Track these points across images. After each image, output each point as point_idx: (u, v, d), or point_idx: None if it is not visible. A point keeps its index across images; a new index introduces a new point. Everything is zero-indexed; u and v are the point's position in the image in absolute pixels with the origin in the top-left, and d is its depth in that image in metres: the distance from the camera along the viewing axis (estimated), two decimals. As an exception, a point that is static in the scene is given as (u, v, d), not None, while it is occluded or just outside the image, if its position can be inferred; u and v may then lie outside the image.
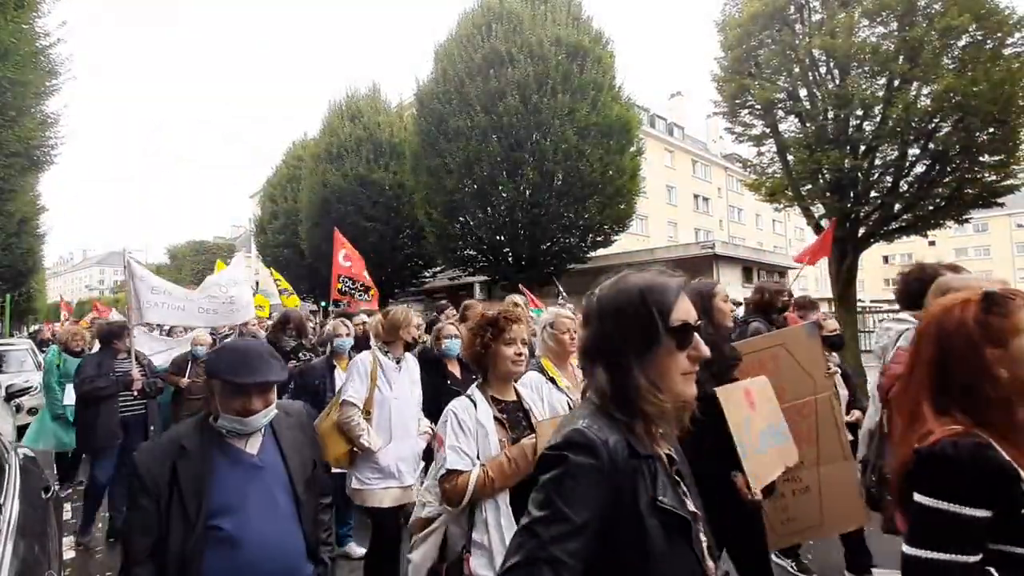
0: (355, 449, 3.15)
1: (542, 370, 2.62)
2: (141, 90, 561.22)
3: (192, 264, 44.94)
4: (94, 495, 4.43)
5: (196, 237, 49.65)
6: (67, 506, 4.89)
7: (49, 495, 3.18)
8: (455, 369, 4.10)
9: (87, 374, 4.38)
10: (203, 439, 1.63)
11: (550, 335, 2.78)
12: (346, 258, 7.82)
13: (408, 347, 3.60)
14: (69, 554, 3.92)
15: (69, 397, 5.16)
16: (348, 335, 4.34)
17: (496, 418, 2.09)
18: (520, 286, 8.39)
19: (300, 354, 4.65)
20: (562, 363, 2.76)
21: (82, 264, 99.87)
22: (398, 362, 3.37)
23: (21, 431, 7.85)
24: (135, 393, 4.49)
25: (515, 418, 2.16)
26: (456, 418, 2.05)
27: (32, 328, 27.95)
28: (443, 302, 7.30)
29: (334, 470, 3.39)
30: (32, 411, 8.80)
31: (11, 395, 7.03)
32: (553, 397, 2.44)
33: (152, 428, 4.66)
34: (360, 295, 7.71)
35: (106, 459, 4.40)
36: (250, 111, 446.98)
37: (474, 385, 2.22)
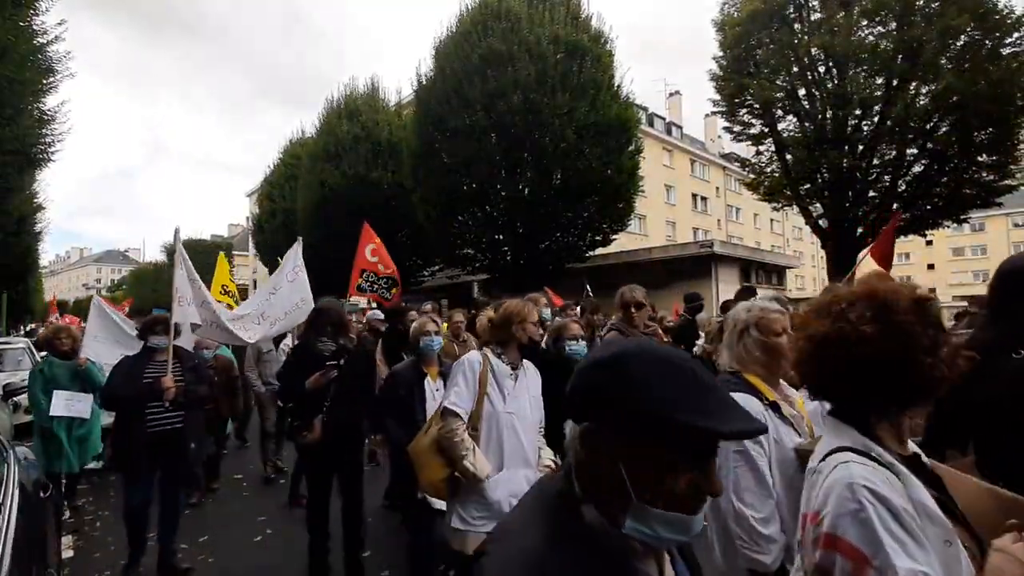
0: (457, 475, 2.49)
1: (749, 387, 1.84)
2: (136, 86, 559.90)
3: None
4: (131, 520, 3.66)
5: (193, 235, 49.46)
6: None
7: (47, 494, 3.17)
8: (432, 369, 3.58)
9: (113, 379, 3.72)
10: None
11: (756, 341, 1.92)
12: (373, 252, 7.39)
13: (524, 349, 2.79)
14: (68, 553, 3.90)
15: (58, 407, 4.60)
16: (437, 333, 3.59)
17: None
18: (544, 287, 8.20)
19: (341, 359, 3.59)
20: (774, 376, 1.93)
21: (79, 263, 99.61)
22: (514, 368, 2.65)
23: (19, 430, 7.81)
24: (166, 403, 3.61)
25: None
26: None
27: (29, 327, 27.86)
28: (427, 304, 7.19)
29: (436, 505, 2.83)
30: (28, 410, 8.80)
31: (8, 393, 7.00)
32: (780, 433, 1.77)
33: (193, 446, 3.83)
34: (383, 292, 7.28)
35: (135, 483, 3.64)
36: (246, 110, 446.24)
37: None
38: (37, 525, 2.74)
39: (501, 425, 2.52)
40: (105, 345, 5.18)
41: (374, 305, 8.67)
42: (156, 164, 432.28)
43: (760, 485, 1.73)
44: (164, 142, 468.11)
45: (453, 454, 2.43)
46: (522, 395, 2.62)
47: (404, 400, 3.29)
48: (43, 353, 7.09)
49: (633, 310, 3.81)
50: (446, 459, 2.48)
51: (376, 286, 7.33)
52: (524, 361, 2.73)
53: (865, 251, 4.42)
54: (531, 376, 2.73)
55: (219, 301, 6.21)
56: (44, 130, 12.92)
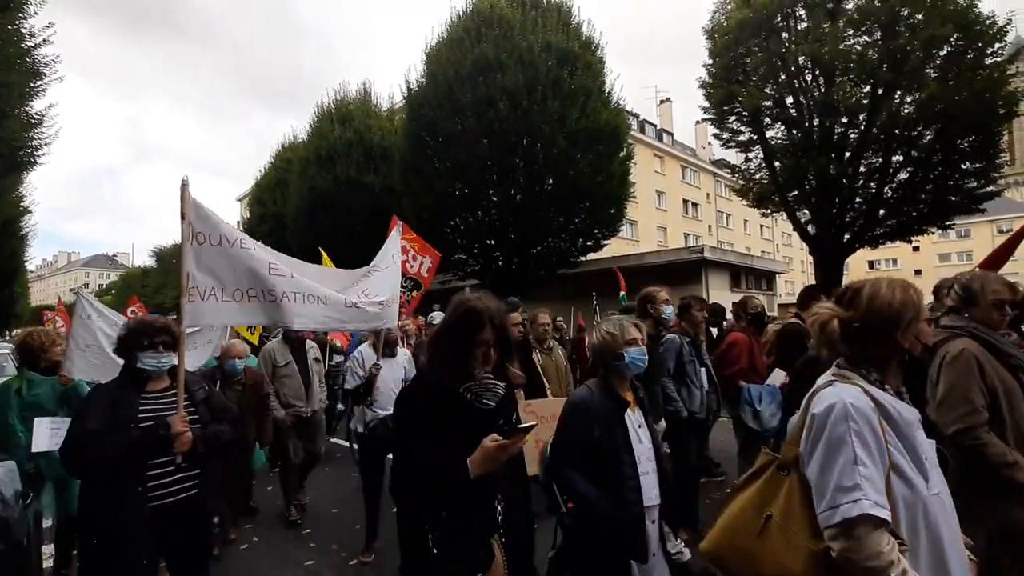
0: None
1: None
2: (117, 86, 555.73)
3: (178, 267, 44.39)
4: None
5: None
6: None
7: (28, 502, 3.12)
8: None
9: (85, 418, 2.26)
10: None
11: None
12: (404, 251, 6.09)
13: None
14: (48, 563, 3.84)
15: (42, 439, 3.34)
16: (631, 344, 2.38)
17: None
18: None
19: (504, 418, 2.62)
20: None
21: (67, 267, 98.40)
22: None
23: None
24: (178, 458, 2.32)
25: None
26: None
27: (14, 332, 27.43)
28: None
29: None
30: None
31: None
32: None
33: (216, 521, 2.60)
34: (408, 292, 6.33)
35: None
36: (231, 111, 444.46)
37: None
38: (17, 534, 2.70)
39: (933, 522, 1.36)
40: (98, 359, 3.82)
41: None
42: (139, 166, 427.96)
43: None
44: (147, 143, 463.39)
45: None
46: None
47: (600, 445, 2.14)
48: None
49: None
50: None
51: (405, 288, 6.26)
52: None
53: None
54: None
55: None
56: (31, 133, 12.81)
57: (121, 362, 2.94)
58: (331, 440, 7.27)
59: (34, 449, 3.37)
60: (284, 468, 4.90)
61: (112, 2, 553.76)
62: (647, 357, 2.34)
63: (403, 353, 4.41)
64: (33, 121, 12.81)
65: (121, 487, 2.20)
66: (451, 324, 1.82)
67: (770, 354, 4.86)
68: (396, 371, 4.22)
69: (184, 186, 2.63)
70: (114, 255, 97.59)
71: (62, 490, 3.54)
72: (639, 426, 2.24)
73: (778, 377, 4.31)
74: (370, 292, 3.51)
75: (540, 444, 2.76)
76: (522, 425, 1.69)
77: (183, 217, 2.62)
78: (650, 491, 2.14)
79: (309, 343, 5.26)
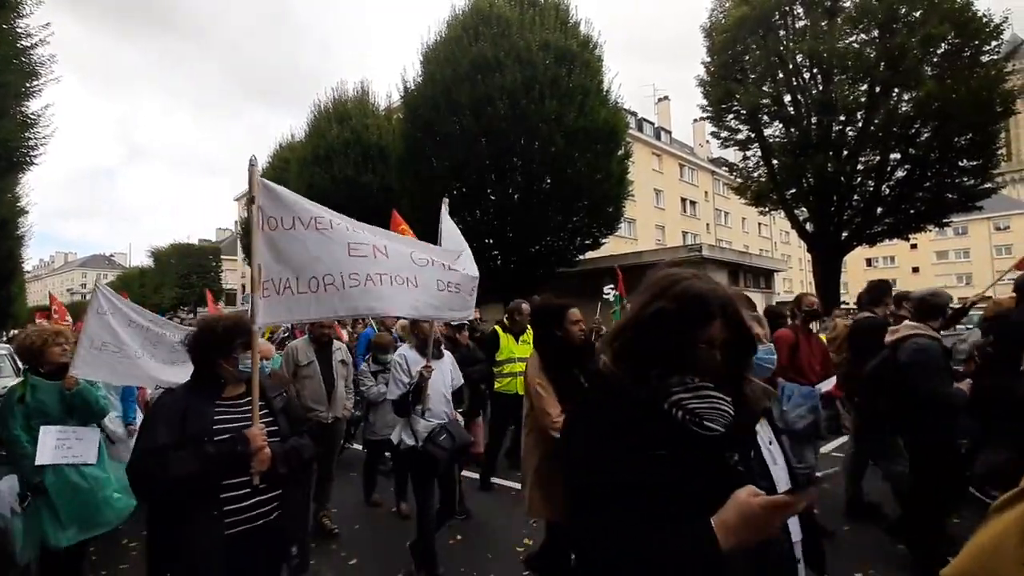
0: None
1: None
2: (111, 84, 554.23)
3: (176, 268, 44.33)
4: None
5: (180, 239, 48.94)
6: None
7: (27, 503, 3.11)
8: None
9: (153, 431, 1.97)
10: None
11: None
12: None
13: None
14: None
15: (46, 452, 3.05)
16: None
17: None
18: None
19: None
20: None
21: (64, 267, 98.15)
22: None
23: None
24: (255, 478, 2.02)
25: None
26: None
27: (12, 333, 27.34)
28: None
29: None
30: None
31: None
32: None
33: (294, 552, 2.17)
34: None
35: None
36: (226, 109, 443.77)
37: None
38: (8, 544, 2.69)
39: None
40: (118, 360, 3.39)
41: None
42: (135, 165, 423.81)
43: None
44: (142, 142, 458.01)
45: None
46: None
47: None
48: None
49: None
50: None
51: None
52: None
53: None
54: None
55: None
56: (27, 133, 12.76)
57: (145, 363, 3.10)
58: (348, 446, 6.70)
59: (38, 461, 3.00)
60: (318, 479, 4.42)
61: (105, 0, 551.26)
62: (775, 356, 2.13)
63: (448, 355, 3.96)
64: (29, 121, 12.76)
65: (194, 511, 1.92)
66: (659, 311, 1.22)
67: (840, 351, 4.71)
68: (444, 375, 3.70)
69: (252, 166, 2.31)
70: (111, 255, 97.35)
71: (59, 514, 3.06)
72: (770, 443, 1.68)
73: (828, 383, 4.17)
74: (456, 276, 3.06)
75: None
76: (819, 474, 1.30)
77: (252, 201, 2.33)
78: (793, 524, 1.59)
79: (337, 343, 4.80)
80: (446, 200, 4.01)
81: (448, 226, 3.81)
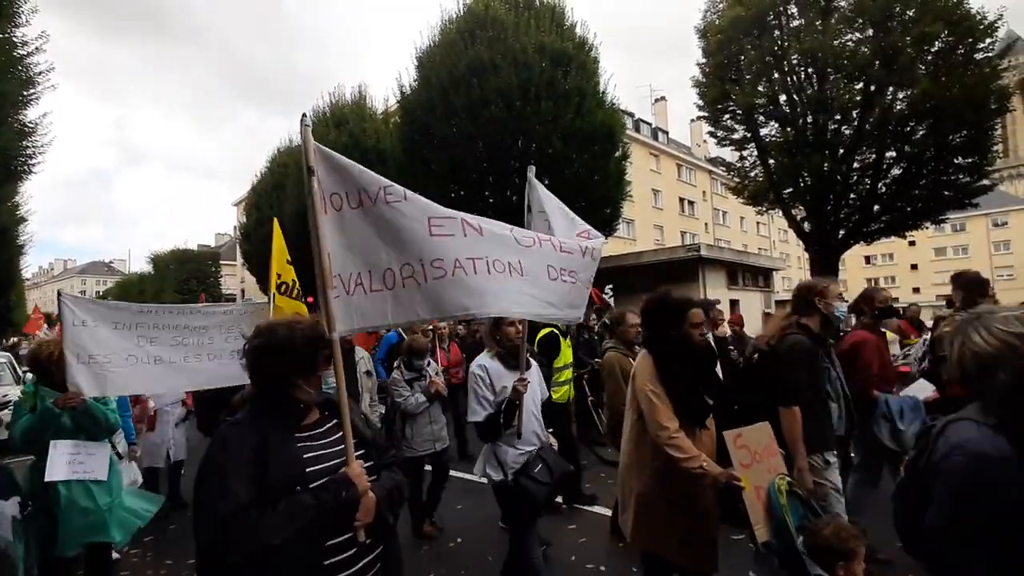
0: None
1: None
2: (106, 88, 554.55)
3: (176, 273, 44.33)
4: None
5: (179, 245, 48.94)
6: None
7: (26, 512, 3.13)
8: None
9: (224, 482, 1.39)
10: None
11: None
12: None
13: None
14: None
15: (58, 467, 2.90)
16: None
17: None
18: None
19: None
20: None
21: (63, 275, 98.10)
22: None
23: (3, 446, 7.66)
24: (361, 533, 1.55)
25: None
26: None
27: (12, 341, 27.34)
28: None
29: None
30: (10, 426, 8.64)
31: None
32: None
33: None
34: None
35: None
36: (222, 112, 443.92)
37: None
38: (14, 544, 2.71)
39: None
40: (112, 369, 3.10)
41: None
42: (130, 169, 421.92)
43: None
44: (137, 146, 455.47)
45: None
46: None
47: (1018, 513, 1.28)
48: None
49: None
50: None
51: None
52: None
53: None
54: None
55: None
56: (25, 142, 12.79)
57: (143, 368, 2.86)
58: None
59: (49, 477, 2.87)
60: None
61: (94, 1, 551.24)
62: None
63: (535, 364, 3.25)
64: (27, 130, 12.79)
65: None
66: None
67: (933, 353, 4.05)
68: (533, 390, 3.00)
69: (304, 126, 1.81)
70: (110, 261, 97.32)
71: (62, 530, 2.92)
72: None
73: (924, 389, 3.68)
74: (572, 260, 2.34)
75: (761, 494, 2.13)
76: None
77: (310, 172, 1.79)
78: None
79: (360, 352, 4.32)
80: (532, 168, 3.21)
81: (540, 195, 2.87)
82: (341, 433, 1.65)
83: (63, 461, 2.94)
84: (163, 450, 5.02)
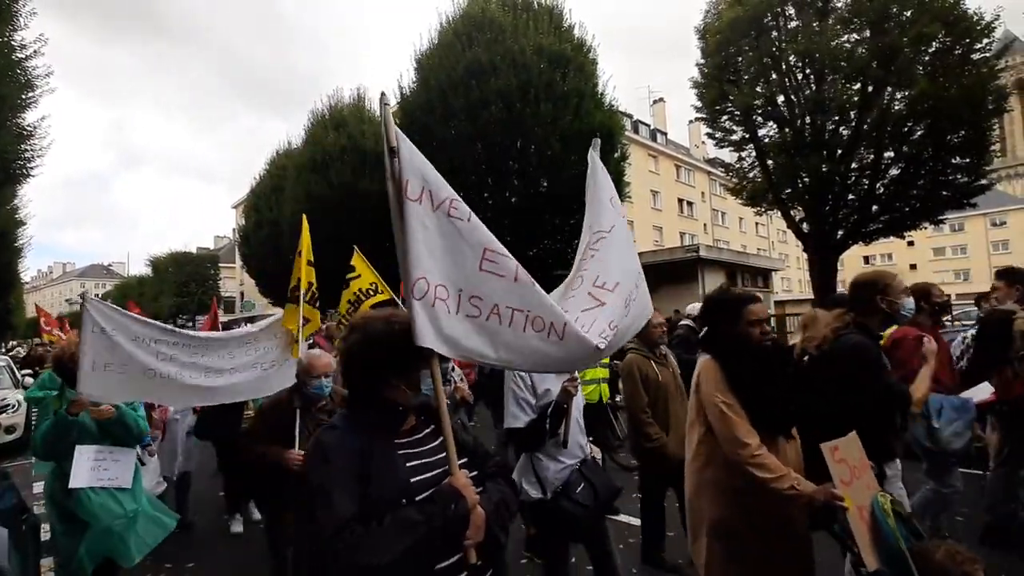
0: None
1: None
2: (104, 90, 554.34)
3: (175, 276, 44.29)
4: None
5: (178, 248, 48.90)
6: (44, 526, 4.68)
7: (25, 516, 3.13)
8: None
9: (326, 496, 1.30)
10: None
11: None
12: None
13: None
14: None
15: (81, 474, 2.81)
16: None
17: None
18: None
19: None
20: None
21: (62, 278, 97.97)
22: None
23: (2, 450, 7.63)
24: (471, 554, 1.38)
25: None
26: None
27: (11, 344, 27.33)
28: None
29: None
30: (9, 429, 8.60)
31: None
32: None
33: None
34: None
35: None
36: (221, 113, 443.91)
37: None
38: (16, 548, 2.70)
39: None
40: (121, 378, 2.96)
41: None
42: (128, 172, 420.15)
43: None
44: (135, 148, 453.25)
45: None
46: None
47: None
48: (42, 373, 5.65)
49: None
50: None
51: None
52: None
53: None
54: None
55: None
56: (23, 145, 12.79)
57: (160, 380, 2.76)
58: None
59: (73, 484, 2.74)
60: None
61: (90, 2, 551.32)
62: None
63: None
64: (26, 133, 12.79)
65: None
66: None
67: (985, 349, 3.77)
68: (578, 394, 2.69)
69: (384, 104, 1.59)
70: (109, 264, 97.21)
71: (79, 542, 2.79)
72: None
73: (983, 391, 3.45)
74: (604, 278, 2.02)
75: (865, 514, 1.87)
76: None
77: (392, 153, 1.55)
78: None
79: None
80: (597, 141, 2.68)
81: (600, 181, 2.51)
82: (440, 439, 1.50)
83: (87, 467, 2.83)
84: (174, 459, 4.82)
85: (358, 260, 5.22)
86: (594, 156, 2.52)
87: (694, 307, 5.91)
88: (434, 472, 1.44)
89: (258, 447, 2.90)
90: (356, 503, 1.28)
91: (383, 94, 1.63)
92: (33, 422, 7.95)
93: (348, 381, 1.54)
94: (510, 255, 1.70)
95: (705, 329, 2.46)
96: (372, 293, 4.85)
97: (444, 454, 1.46)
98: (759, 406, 2.10)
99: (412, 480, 1.38)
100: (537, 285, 1.70)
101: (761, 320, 2.27)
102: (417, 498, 1.34)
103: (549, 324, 1.65)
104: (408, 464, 1.42)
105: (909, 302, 2.80)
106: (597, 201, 2.45)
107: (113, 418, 2.91)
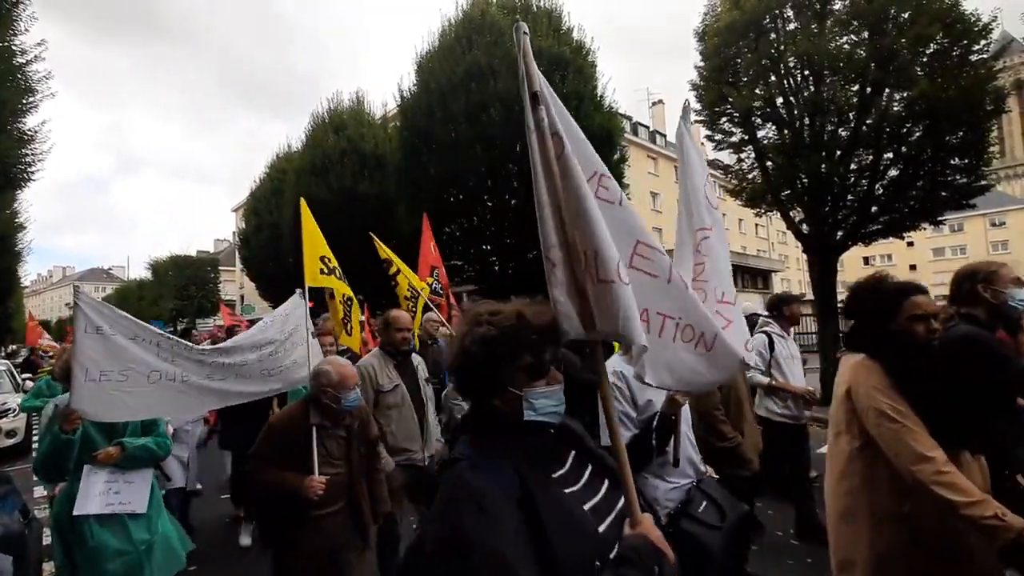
0: None
1: None
2: (100, 92, 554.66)
3: (175, 280, 44.28)
4: None
5: (178, 251, 48.89)
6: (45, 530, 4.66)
7: (28, 518, 3.13)
8: None
9: (495, 567, 0.91)
10: None
11: None
12: (436, 247, 5.31)
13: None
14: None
15: (92, 498, 2.52)
16: None
17: None
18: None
19: None
20: None
21: (62, 282, 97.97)
22: None
23: (1, 454, 7.64)
24: None
25: None
26: None
27: (11, 349, 27.32)
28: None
29: None
30: (10, 434, 8.61)
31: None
32: None
33: None
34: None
35: None
36: (219, 116, 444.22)
37: None
38: (18, 549, 2.71)
39: None
40: (120, 390, 2.56)
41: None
42: (127, 175, 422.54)
43: None
44: (133, 151, 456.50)
45: None
46: None
47: None
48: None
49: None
50: None
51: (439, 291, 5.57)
52: None
53: None
54: None
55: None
56: (24, 150, 12.80)
57: (167, 387, 2.41)
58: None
59: (79, 511, 2.44)
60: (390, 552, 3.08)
61: (86, 3, 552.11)
62: None
63: None
64: (26, 138, 12.81)
65: None
66: None
67: None
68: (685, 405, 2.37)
69: (523, 35, 1.35)
70: (109, 268, 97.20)
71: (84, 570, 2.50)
72: None
73: None
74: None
75: None
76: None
77: (535, 100, 1.34)
78: None
79: (416, 357, 3.77)
80: (688, 102, 2.24)
81: (691, 162, 1.95)
82: (590, 469, 1.15)
83: (95, 491, 2.50)
84: (182, 472, 4.46)
85: (388, 252, 5.26)
86: (683, 129, 2.01)
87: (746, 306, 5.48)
88: (607, 518, 1.10)
89: (269, 474, 2.49)
90: (528, 557, 0.93)
91: (518, 22, 1.34)
92: (34, 427, 7.95)
93: (471, 392, 1.16)
94: (663, 250, 1.39)
95: (852, 324, 2.10)
96: (416, 294, 4.77)
97: (604, 489, 1.12)
98: (941, 414, 1.75)
99: (600, 530, 1.05)
100: (691, 288, 1.44)
101: (928, 315, 1.89)
102: (611, 555, 1.01)
103: (699, 335, 1.39)
104: (586, 508, 1.07)
105: (1019, 292, 2.48)
106: (693, 189, 1.88)
107: (117, 458, 2.57)
